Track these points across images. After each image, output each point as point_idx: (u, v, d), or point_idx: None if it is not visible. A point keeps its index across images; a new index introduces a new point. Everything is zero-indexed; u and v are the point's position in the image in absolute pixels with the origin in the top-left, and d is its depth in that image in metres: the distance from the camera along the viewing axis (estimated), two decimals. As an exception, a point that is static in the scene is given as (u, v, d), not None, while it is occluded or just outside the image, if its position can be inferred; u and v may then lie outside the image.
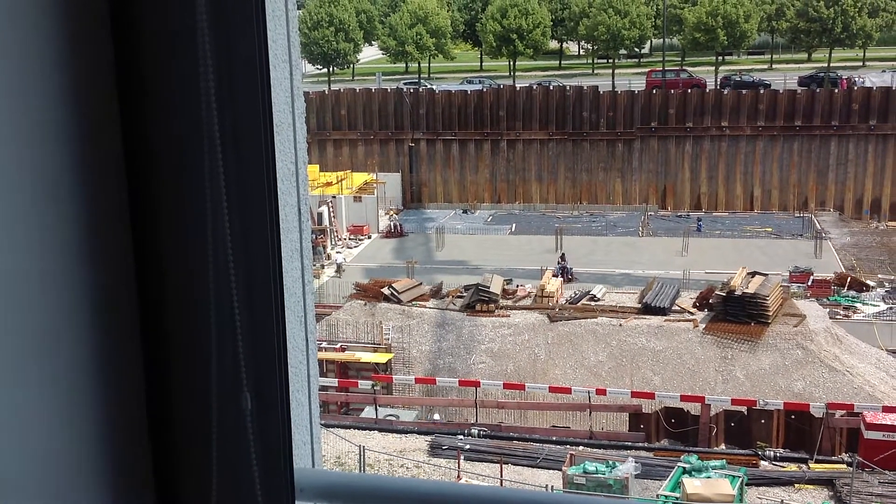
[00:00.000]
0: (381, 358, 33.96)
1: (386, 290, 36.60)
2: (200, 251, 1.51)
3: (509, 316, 35.15)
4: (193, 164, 1.48)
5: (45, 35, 1.37)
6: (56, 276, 1.43)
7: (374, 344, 34.91)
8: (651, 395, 30.28)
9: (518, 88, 65.29)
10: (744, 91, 62.25)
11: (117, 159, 1.52)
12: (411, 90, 66.90)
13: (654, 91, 64.03)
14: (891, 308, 39.95)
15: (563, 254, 45.08)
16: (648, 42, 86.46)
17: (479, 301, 35.44)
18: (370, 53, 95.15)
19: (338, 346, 34.77)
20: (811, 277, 42.19)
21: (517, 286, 38.01)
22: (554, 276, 39.75)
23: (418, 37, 79.86)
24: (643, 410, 30.38)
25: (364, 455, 25.92)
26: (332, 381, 32.75)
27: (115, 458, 1.56)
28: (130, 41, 1.47)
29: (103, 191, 1.50)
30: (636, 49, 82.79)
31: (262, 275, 1.57)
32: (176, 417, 1.61)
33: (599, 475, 24.05)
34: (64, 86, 1.41)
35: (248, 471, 1.59)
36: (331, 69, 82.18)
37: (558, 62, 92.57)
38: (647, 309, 34.66)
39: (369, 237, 55.15)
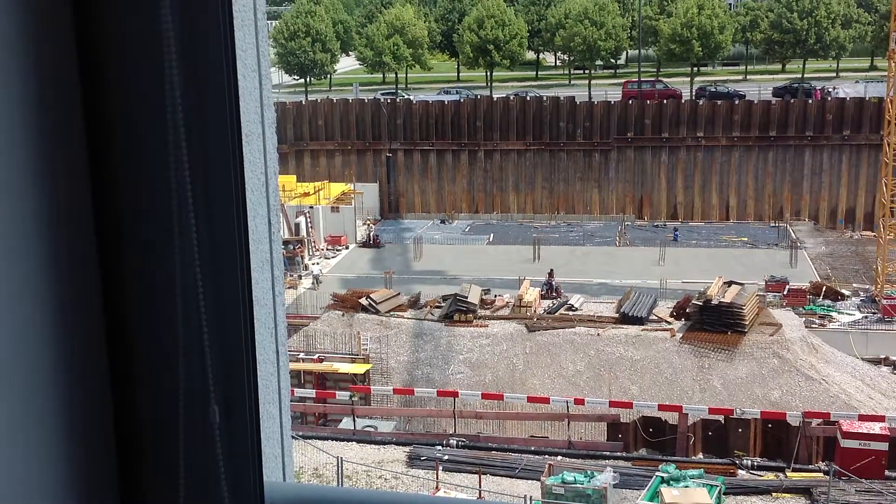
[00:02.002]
0: (359, 369, 33.86)
1: (364, 301, 36.52)
2: (167, 262, 1.49)
3: (487, 326, 35.16)
4: (159, 175, 1.46)
5: (7, 47, 1.35)
6: (17, 290, 1.41)
7: (352, 354, 34.80)
8: (629, 405, 30.34)
9: (495, 99, 65.49)
10: (719, 102, 62.74)
11: (81, 169, 1.49)
12: (388, 100, 66.94)
13: (631, 102, 64.42)
14: (866, 317, 40.30)
15: (552, 270, 44.62)
16: (624, 53, 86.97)
17: (457, 311, 35.42)
18: (347, 64, 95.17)
19: (315, 356, 34.64)
20: (787, 287, 42.49)
21: (495, 296, 38.03)
22: (542, 294, 39.30)
23: (395, 47, 79.97)
24: (621, 420, 30.43)
25: (342, 466, 25.79)
26: (310, 392, 32.60)
27: (79, 474, 1.53)
28: (93, 47, 1.45)
29: (67, 203, 1.48)
30: (612, 60, 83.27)
31: (230, 286, 1.55)
32: (142, 431, 1.59)
33: (578, 485, 24.05)
34: (27, 101, 1.39)
35: (216, 485, 1.57)
36: (308, 79, 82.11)
37: (535, 73, 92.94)
38: (624, 318, 34.77)
39: (347, 247, 55.04)
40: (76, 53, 1.45)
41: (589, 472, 24.91)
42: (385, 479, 26.96)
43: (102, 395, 1.57)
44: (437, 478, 26.21)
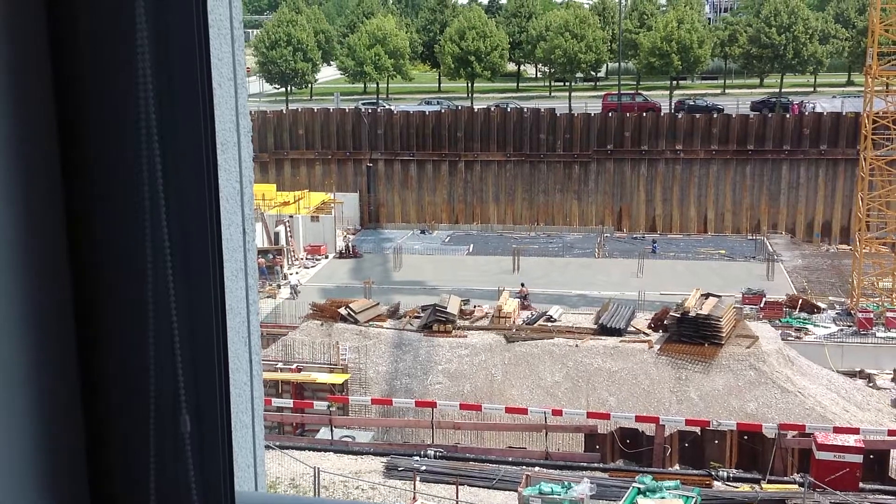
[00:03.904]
0: (338, 379, 33.73)
1: (343, 311, 36.42)
2: (140, 270, 1.49)
3: (466, 336, 35.14)
4: (132, 183, 1.45)
5: None
6: None
7: (331, 364, 34.67)
8: (606, 416, 30.38)
9: (476, 110, 65.64)
10: (697, 115, 63.12)
11: (54, 177, 1.49)
12: (369, 110, 66.94)
13: (610, 114, 64.71)
14: (841, 330, 40.57)
15: (523, 283, 44.50)
16: (604, 66, 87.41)
17: (436, 321, 35.38)
18: (328, 73, 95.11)
19: (293, 366, 34.48)
20: (763, 299, 42.72)
21: (474, 307, 38.02)
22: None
23: (377, 57, 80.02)
24: (599, 431, 30.46)
25: (319, 477, 25.67)
26: (288, 402, 32.44)
27: (49, 484, 1.53)
28: (67, 55, 1.45)
29: (39, 210, 1.47)
30: (592, 72, 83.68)
31: (203, 294, 1.55)
32: (112, 440, 1.58)
33: (555, 496, 24.05)
34: (1, 110, 1.39)
35: (187, 495, 1.56)
36: (289, 89, 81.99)
37: (516, 84, 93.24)
38: (602, 330, 34.85)
39: (326, 257, 54.92)
40: (50, 58, 1.45)
41: (566, 483, 24.91)
42: (362, 489, 26.86)
43: (73, 404, 1.56)
44: (415, 488, 26.14)
